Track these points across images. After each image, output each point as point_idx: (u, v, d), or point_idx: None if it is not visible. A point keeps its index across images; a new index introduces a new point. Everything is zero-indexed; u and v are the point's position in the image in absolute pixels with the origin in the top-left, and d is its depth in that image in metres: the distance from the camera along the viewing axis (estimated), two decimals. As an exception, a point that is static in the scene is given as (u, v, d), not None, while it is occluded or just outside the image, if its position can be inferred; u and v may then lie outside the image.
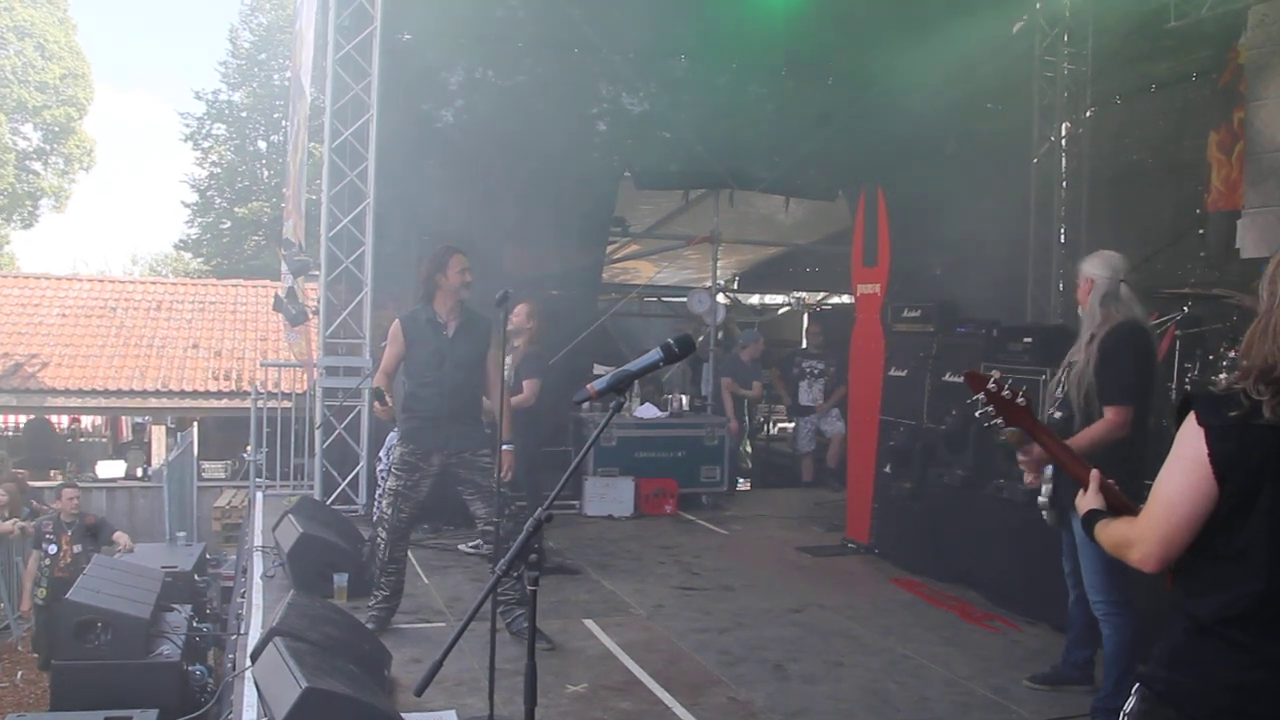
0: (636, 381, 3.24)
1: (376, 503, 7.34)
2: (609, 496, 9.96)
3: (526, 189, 10.15)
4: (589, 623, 6.51)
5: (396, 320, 6.22)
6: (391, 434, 7.03)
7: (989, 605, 7.01)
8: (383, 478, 7.89)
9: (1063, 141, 11.92)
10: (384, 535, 6.14)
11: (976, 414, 2.97)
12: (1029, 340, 7.46)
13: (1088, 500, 2.54)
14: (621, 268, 14.74)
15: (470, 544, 8.19)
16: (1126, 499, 2.49)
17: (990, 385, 2.75)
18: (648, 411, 10.56)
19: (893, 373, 8.58)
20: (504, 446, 5.81)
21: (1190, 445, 2.18)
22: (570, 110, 10.95)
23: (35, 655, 10.66)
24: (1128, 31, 10.92)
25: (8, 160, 40.46)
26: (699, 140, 10.91)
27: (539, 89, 10.79)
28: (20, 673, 11.05)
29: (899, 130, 10.66)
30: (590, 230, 10.94)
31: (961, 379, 7.61)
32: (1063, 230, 11.85)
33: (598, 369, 10.25)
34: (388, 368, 6.20)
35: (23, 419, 18.90)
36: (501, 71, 10.91)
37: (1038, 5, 11.74)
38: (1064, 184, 11.84)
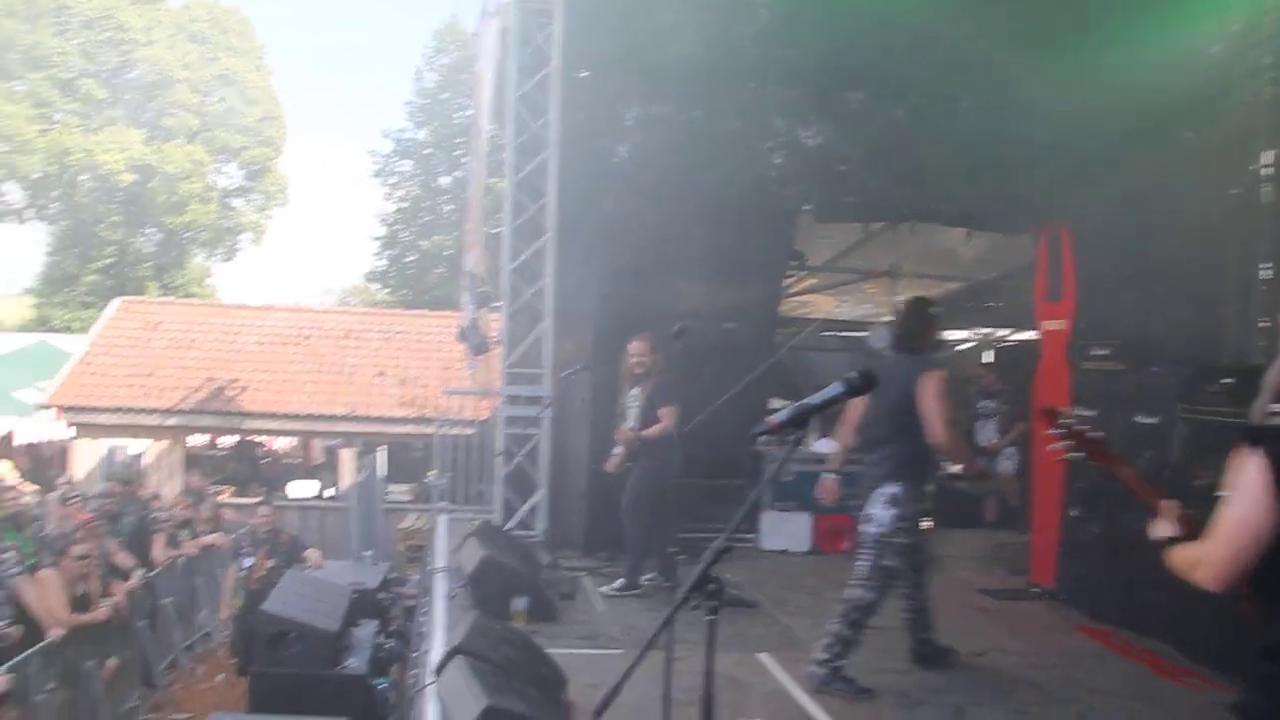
0: (815, 416, 3.23)
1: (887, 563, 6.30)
2: (785, 531, 9.88)
3: (703, 223, 10.20)
4: (764, 657, 6.49)
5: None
6: (889, 489, 6.28)
7: (1184, 660, 6.65)
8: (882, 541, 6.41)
9: (1266, 170, 11.36)
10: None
11: (1057, 447, 2.97)
12: (1229, 381, 7.09)
13: (1162, 528, 2.77)
14: (800, 301, 14.67)
15: (614, 586, 8.19)
16: (1200, 528, 2.63)
17: (1066, 420, 2.82)
18: (826, 446, 10.45)
19: (1080, 413, 8.27)
20: None
21: (1252, 471, 2.39)
22: (746, 145, 10.98)
23: (234, 660, 11.18)
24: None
25: (212, 198, 42.97)
26: (877, 173, 10.79)
27: (715, 124, 10.86)
28: (220, 676, 11.61)
29: (1087, 158, 10.34)
30: (767, 264, 10.92)
31: (1156, 420, 7.32)
32: (1268, 266, 11.28)
33: (774, 404, 10.22)
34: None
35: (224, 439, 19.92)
36: (678, 107, 11.00)
37: (1235, 26, 11.26)
38: (1269, 216, 11.28)
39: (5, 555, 8.79)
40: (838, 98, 11.10)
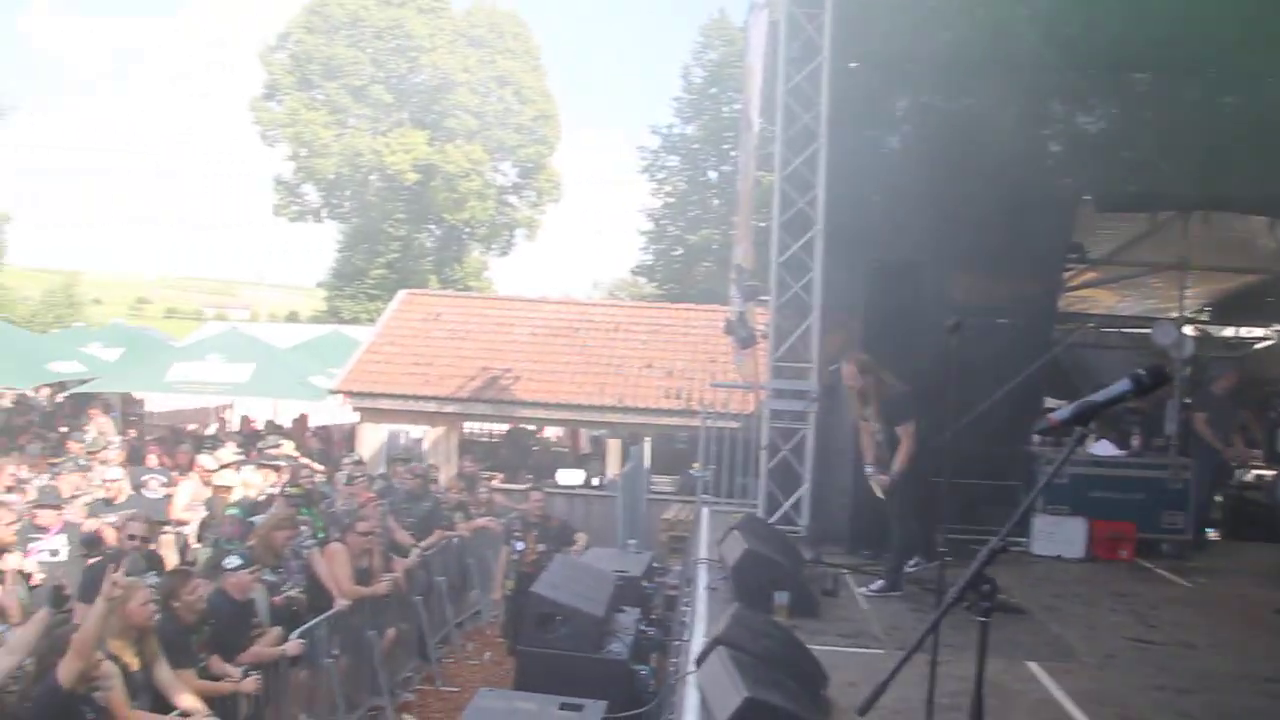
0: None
1: None
2: (1058, 536, 9.45)
3: (975, 215, 9.87)
4: (1033, 665, 6.24)
5: None
6: None
7: None
8: None
9: None
10: None
11: None
12: None
13: None
14: (1077, 296, 14.00)
15: (873, 587, 8.01)
16: None
17: None
18: (1104, 449, 9.94)
19: None
20: None
21: None
22: (1021, 132, 10.55)
23: (503, 640, 11.63)
24: None
25: (489, 195, 45.02)
26: (1165, 158, 10.15)
27: (988, 111, 10.48)
28: (488, 653, 12.12)
29: None
30: (1043, 257, 10.47)
31: None
32: None
33: (1049, 403, 9.78)
34: None
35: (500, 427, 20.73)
36: (948, 94, 10.71)
37: None
38: None
39: (301, 529, 9.49)
40: (1122, 79, 10.52)
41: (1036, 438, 9.48)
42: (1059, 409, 3.07)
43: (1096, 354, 14.00)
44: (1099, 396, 2.95)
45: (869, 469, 8.17)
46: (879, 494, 8.06)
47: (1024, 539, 9.53)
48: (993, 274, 10.09)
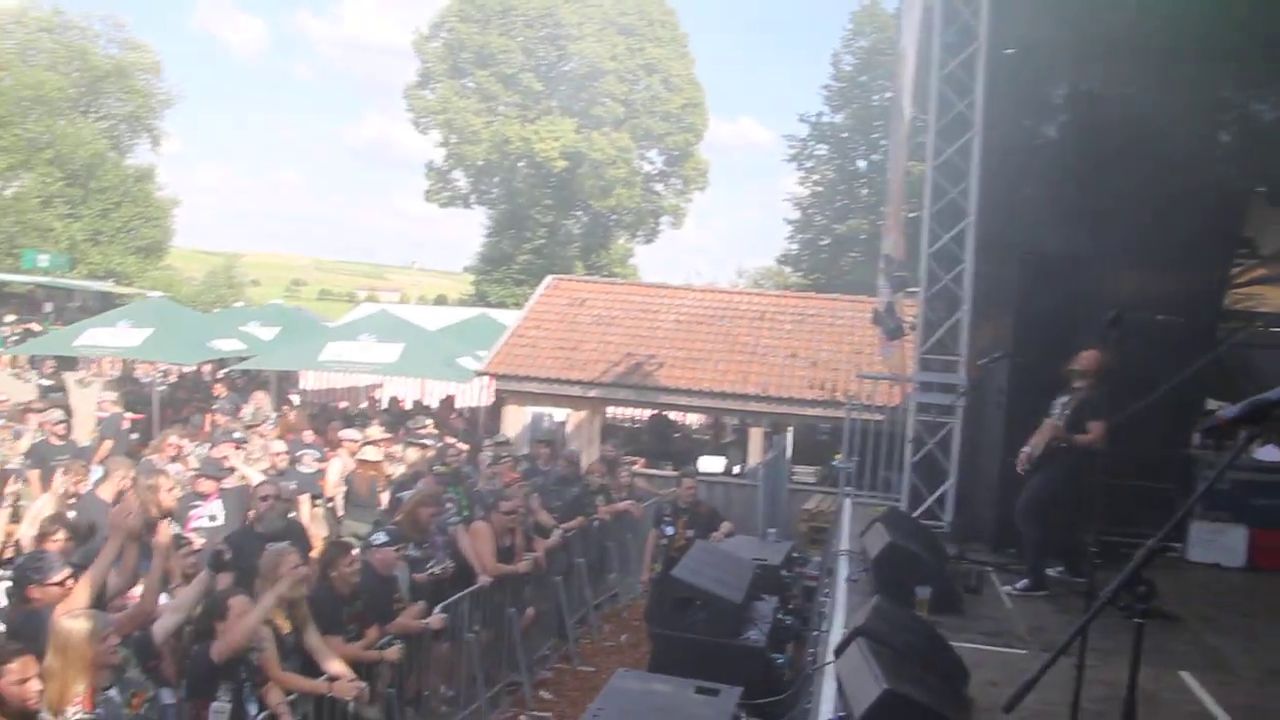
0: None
1: None
2: (1217, 544, 9.06)
3: (1136, 207, 9.53)
4: (1186, 675, 6.02)
5: None
6: None
7: None
8: None
9: None
10: None
11: None
12: None
13: None
14: (1245, 293, 13.40)
15: (1018, 586, 7.86)
16: None
17: None
18: (1270, 454, 9.49)
19: None
20: None
21: None
22: (1187, 121, 10.12)
23: (643, 623, 11.70)
24: None
25: (635, 183, 45.39)
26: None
27: (1152, 99, 10.09)
28: (624, 635, 12.25)
29: None
30: (1209, 251, 10.04)
31: None
32: None
33: (1211, 405, 9.40)
34: None
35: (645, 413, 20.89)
36: (1109, 82, 10.34)
37: None
38: None
39: (448, 505, 9.74)
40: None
41: (1197, 438, 9.13)
42: (1224, 408, 2.97)
43: (1264, 354, 13.37)
44: (1272, 395, 2.83)
45: (1027, 448, 7.94)
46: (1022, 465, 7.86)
47: (1179, 544, 9.18)
48: (1154, 269, 9.70)
